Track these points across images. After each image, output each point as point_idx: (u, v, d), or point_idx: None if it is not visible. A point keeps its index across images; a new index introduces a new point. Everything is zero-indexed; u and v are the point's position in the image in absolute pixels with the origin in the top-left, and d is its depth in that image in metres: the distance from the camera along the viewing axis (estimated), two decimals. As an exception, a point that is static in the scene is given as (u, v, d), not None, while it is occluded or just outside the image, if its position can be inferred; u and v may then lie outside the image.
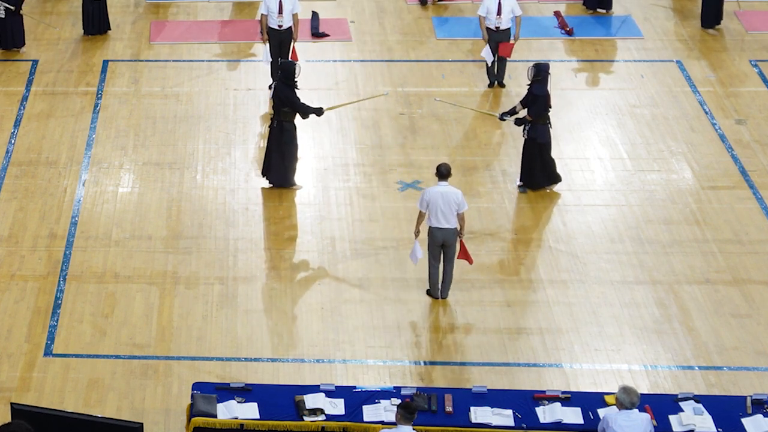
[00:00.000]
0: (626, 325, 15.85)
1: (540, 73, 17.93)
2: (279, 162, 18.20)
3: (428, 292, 16.21)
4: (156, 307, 16.04)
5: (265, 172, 18.41)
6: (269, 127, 18.26)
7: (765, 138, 19.84)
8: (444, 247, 15.83)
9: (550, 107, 18.14)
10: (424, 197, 15.64)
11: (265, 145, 18.41)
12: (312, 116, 18.20)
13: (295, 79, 17.89)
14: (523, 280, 16.63)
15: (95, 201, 18.11)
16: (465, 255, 15.94)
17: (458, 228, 15.77)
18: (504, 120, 18.56)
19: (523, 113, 18.24)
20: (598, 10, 23.73)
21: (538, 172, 18.30)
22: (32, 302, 16.10)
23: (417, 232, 15.97)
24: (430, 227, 15.75)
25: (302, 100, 18.07)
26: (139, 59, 22.03)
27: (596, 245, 17.31)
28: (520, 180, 18.47)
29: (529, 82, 18.09)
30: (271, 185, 18.37)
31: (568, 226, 17.72)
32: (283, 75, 17.90)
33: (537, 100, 17.94)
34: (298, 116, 18.14)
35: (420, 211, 15.76)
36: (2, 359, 15.12)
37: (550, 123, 18.21)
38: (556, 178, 18.46)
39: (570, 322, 15.87)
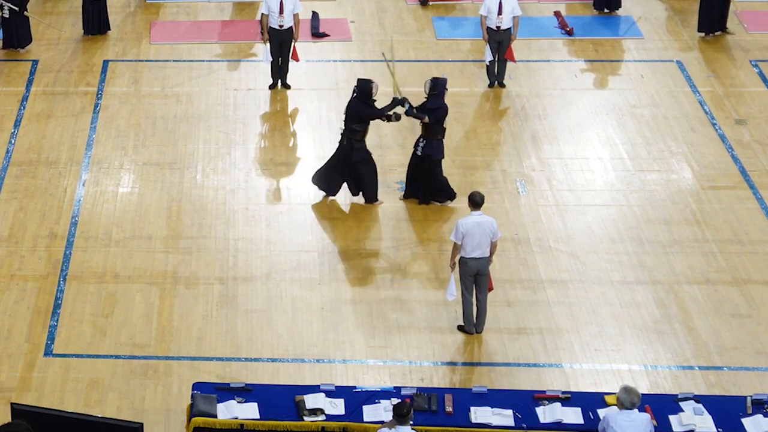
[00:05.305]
0: (626, 325, 15.85)
1: (437, 87, 17.52)
2: (352, 180, 17.93)
3: (460, 328, 15.63)
4: (156, 307, 16.04)
5: (317, 182, 18.12)
6: (339, 143, 17.93)
7: (765, 138, 19.84)
8: (478, 275, 15.31)
9: (444, 124, 17.65)
10: (460, 229, 15.06)
11: (329, 158, 18.08)
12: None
13: (374, 98, 17.53)
14: (523, 280, 16.62)
15: (95, 201, 18.12)
16: (489, 281, 15.55)
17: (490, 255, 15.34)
18: (405, 108, 17.60)
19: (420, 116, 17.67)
20: (605, 10, 23.70)
21: (425, 188, 17.91)
22: (32, 302, 16.10)
23: (453, 265, 15.42)
24: (462, 257, 15.21)
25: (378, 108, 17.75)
26: (139, 59, 22.03)
27: (596, 245, 17.31)
28: (406, 191, 18.13)
29: (426, 96, 17.64)
30: (329, 196, 18.15)
31: (568, 226, 17.72)
32: (361, 93, 17.55)
33: (431, 114, 17.51)
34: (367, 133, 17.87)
35: (455, 243, 15.18)
36: (2, 359, 15.12)
37: (442, 138, 17.74)
38: (452, 194, 18.03)
39: (570, 322, 15.87)
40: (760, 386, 14.81)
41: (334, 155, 18.05)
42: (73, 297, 16.21)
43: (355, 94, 17.70)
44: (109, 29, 22.78)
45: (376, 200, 18.10)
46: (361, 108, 17.61)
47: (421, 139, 17.80)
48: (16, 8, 21.57)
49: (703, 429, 13.10)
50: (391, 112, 17.74)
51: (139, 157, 19.18)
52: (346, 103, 17.87)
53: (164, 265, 16.82)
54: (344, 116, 17.80)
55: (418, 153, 17.83)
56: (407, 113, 17.77)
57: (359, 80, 17.78)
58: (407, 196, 18.15)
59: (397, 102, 17.73)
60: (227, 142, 19.63)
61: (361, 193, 18.13)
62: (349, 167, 17.88)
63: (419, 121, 17.72)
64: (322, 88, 21.10)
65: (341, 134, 17.91)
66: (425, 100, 17.74)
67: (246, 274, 16.68)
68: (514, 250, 17.17)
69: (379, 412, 13.24)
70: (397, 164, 18.97)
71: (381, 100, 17.88)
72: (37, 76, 21.34)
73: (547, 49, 22.53)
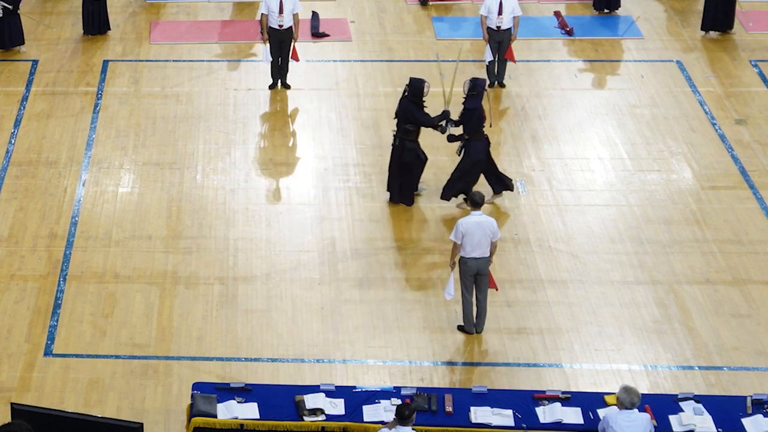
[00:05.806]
0: (626, 325, 15.86)
1: (475, 87, 17.46)
2: (399, 181, 17.87)
3: (460, 328, 15.63)
4: (156, 307, 16.05)
5: (389, 189, 18.09)
6: (392, 144, 17.88)
7: (765, 138, 19.84)
8: (478, 275, 15.29)
9: (484, 123, 17.56)
10: (460, 229, 15.06)
11: (390, 166, 18.00)
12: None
13: (424, 98, 17.42)
14: (523, 280, 16.63)
15: (95, 201, 18.12)
16: (491, 281, 15.53)
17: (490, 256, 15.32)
18: (444, 128, 17.75)
19: (457, 131, 17.72)
20: (605, 10, 23.70)
21: (457, 182, 17.82)
22: (32, 302, 16.10)
23: (453, 265, 15.41)
24: (462, 257, 15.21)
25: (430, 115, 17.59)
26: (139, 59, 22.04)
27: (596, 245, 17.31)
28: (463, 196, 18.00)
29: (464, 97, 17.59)
30: (398, 203, 18.05)
31: (568, 226, 17.72)
32: (411, 92, 17.42)
33: (471, 115, 17.47)
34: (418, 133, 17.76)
35: (455, 243, 15.18)
36: (2, 359, 15.12)
37: (487, 139, 17.72)
38: (445, 197, 17.99)
39: (570, 322, 15.87)
40: (760, 386, 14.81)
41: (391, 160, 17.91)
42: (73, 297, 16.21)
43: (406, 94, 17.58)
44: (109, 29, 22.78)
45: (411, 203, 18.04)
46: (415, 111, 17.47)
47: (464, 141, 17.73)
48: (10, 6, 21.56)
49: (703, 429, 13.11)
50: (441, 123, 17.70)
51: (139, 157, 19.19)
52: (397, 103, 17.76)
53: (164, 265, 16.82)
54: (395, 116, 17.71)
55: (459, 154, 17.78)
56: (442, 131, 17.78)
57: (411, 79, 17.64)
58: (445, 196, 18.05)
59: (446, 115, 17.67)
60: (227, 142, 19.63)
61: (393, 194, 18.06)
62: (400, 167, 17.81)
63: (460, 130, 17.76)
64: (322, 88, 21.11)
65: (393, 134, 17.84)
66: (464, 100, 17.68)
67: (246, 274, 16.68)
68: (514, 250, 17.17)
69: (379, 412, 13.24)
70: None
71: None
72: (37, 76, 21.35)
73: (547, 49, 22.53)
